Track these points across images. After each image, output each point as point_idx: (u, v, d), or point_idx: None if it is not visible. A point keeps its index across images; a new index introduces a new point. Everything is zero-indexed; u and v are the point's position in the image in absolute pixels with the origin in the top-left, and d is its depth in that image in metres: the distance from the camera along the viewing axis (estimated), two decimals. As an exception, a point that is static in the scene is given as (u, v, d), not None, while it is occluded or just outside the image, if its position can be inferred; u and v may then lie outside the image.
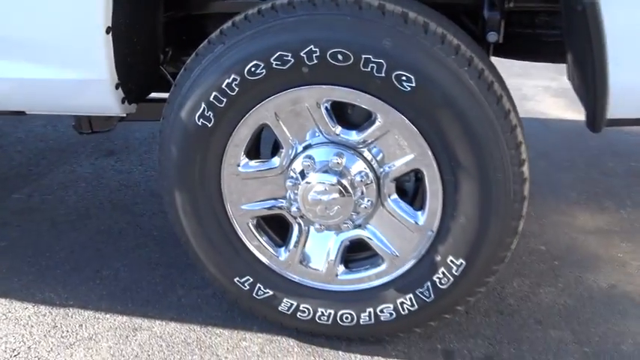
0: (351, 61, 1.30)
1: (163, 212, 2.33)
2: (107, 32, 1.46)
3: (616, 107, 1.31)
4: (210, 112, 1.43)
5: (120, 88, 1.56)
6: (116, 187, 2.63)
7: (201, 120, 1.44)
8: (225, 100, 1.40)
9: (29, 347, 1.64)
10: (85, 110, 1.71)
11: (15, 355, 1.61)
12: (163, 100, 1.92)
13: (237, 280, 1.61)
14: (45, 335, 1.69)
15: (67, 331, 1.70)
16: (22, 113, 1.82)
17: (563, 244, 2.09)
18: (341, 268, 1.56)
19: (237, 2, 1.78)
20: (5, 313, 1.79)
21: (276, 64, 1.34)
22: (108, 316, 1.77)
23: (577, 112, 3.30)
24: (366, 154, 1.44)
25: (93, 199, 2.51)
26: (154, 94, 1.88)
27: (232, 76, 1.38)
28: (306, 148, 1.48)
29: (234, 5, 1.78)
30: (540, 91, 3.85)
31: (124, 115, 1.65)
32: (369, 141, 1.43)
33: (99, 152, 3.00)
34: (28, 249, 2.13)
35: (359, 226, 1.51)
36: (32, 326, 1.73)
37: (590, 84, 1.30)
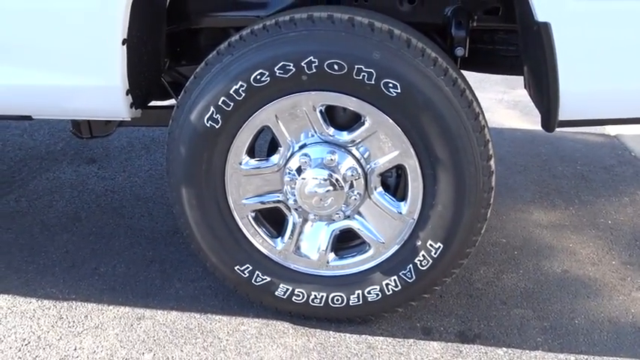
0: (345, 71, 1.50)
1: (151, 214, 2.50)
2: (123, 43, 1.61)
3: (565, 111, 1.55)
4: (218, 115, 1.60)
5: (129, 94, 1.71)
6: (102, 192, 2.73)
7: (209, 122, 1.61)
8: (232, 104, 1.58)
9: (39, 336, 1.75)
10: (96, 114, 1.84)
11: (26, 344, 1.71)
12: (159, 107, 2.10)
13: (238, 268, 1.77)
14: (52, 326, 1.79)
15: (74, 322, 1.81)
16: (28, 118, 1.92)
17: (522, 236, 2.34)
18: (332, 255, 1.75)
19: (232, 18, 1.96)
20: (10, 307, 1.88)
21: (279, 73, 1.53)
22: (111, 307, 1.89)
23: (527, 122, 3.63)
24: (355, 151, 1.64)
25: (81, 204, 2.60)
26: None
27: (239, 83, 1.55)
28: (302, 147, 1.66)
29: (227, 21, 1.96)
30: (494, 103, 4.17)
31: (130, 119, 1.79)
32: (358, 140, 1.63)
33: (80, 160, 3.08)
34: (23, 250, 2.22)
35: (348, 217, 1.70)
36: (39, 318, 1.83)
37: (545, 91, 1.55)
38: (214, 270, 1.81)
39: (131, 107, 1.73)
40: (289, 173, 1.68)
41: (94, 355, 1.68)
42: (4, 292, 1.95)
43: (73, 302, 1.91)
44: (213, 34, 2.05)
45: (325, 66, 1.50)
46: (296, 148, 1.67)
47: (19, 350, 1.69)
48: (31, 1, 1.63)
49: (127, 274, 2.07)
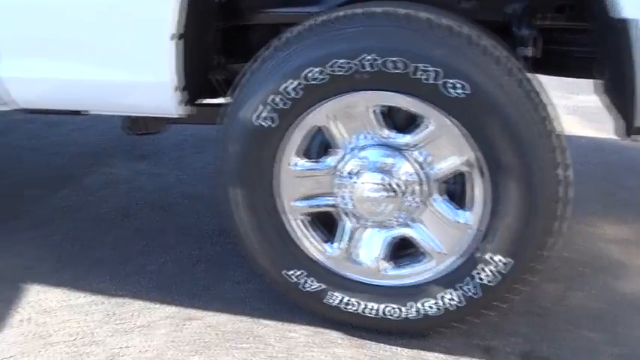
0: (404, 69, 1.41)
1: (199, 213, 2.47)
2: (175, 39, 1.58)
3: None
4: (271, 114, 1.54)
5: (179, 91, 1.67)
6: (152, 189, 2.73)
7: (262, 121, 1.55)
8: (285, 102, 1.51)
9: (89, 332, 1.74)
10: (144, 111, 1.82)
11: (77, 339, 1.70)
12: (209, 104, 2.06)
13: (286, 273, 1.70)
14: (102, 322, 1.78)
15: (123, 319, 1.79)
16: (77, 113, 1.92)
17: (589, 252, 2.18)
18: (388, 264, 1.65)
19: (284, 15, 1.90)
20: (60, 302, 1.88)
21: (336, 71, 1.45)
22: (158, 306, 1.86)
23: (591, 130, 3.42)
24: (416, 155, 1.54)
25: (131, 200, 2.61)
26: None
27: (291, 81, 1.49)
28: (358, 149, 1.58)
29: (279, 17, 1.91)
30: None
31: (179, 116, 1.75)
32: (418, 144, 1.53)
33: (132, 157, 3.10)
34: (75, 244, 2.23)
35: (406, 224, 1.61)
36: (88, 314, 1.82)
37: (628, 95, 1.41)
38: (262, 273, 1.75)
39: (180, 104, 1.70)
40: (342, 176, 1.60)
41: (142, 354, 1.65)
42: (56, 286, 1.96)
43: (122, 299, 1.89)
44: (264, 30, 2.00)
45: (382, 64, 1.42)
46: (352, 150, 1.59)
47: (70, 345, 1.68)
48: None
49: (174, 272, 2.05)
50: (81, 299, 1.89)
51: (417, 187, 1.55)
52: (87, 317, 1.80)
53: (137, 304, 1.86)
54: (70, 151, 3.17)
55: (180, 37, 1.60)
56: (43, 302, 1.87)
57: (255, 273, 1.81)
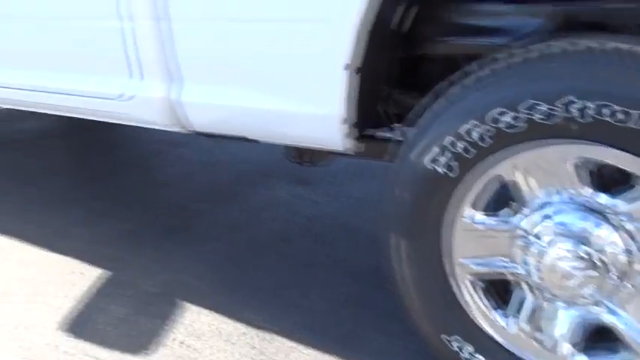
0: (622, 117, 1.13)
1: (357, 247, 2.34)
2: (349, 69, 1.48)
3: None
4: (448, 159, 1.35)
5: (349, 125, 1.56)
6: (309, 215, 2.68)
7: (437, 166, 1.37)
8: (467, 149, 1.31)
9: (233, 363, 1.70)
10: (312, 143, 1.74)
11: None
12: (376, 138, 1.92)
13: (446, 338, 1.49)
14: (247, 356, 1.73)
15: (267, 355, 1.73)
16: (245, 139, 1.92)
17: None
18: (578, 354, 1.36)
19: (466, 45, 1.70)
20: (212, 327, 1.88)
21: (534, 116, 1.22)
22: (308, 349, 1.76)
23: None
24: (629, 226, 1.24)
25: (290, 226, 2.58)
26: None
27: (480, 125, 1.28)
28: (549, 208, 1.32)
29: (461, 48, 1.70)
30: None
31: (349, 151, 1.65)
32: (634, 212, 1.23)
33: (293, 179, 3.10)
34: (233, 265, 2.25)
35: (609, 310, 1.30)
36: (235, 345, 1.79)
37: None
38: (418, 330, 1.56)
39: (348, 138, 1.59)
40: (526, 239, 1.35)
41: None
42: (209, 309, 1.97)
43: (269, 334, 1.83)
44: (442, 62, 1.82)
45: (595, 111, 1.15)
46: (541, 208, 1.33)
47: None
48: (256, 21, 1.58)
49: (326, 311, 1.94)
50: (230, 327, 1.87)
51: (626, 265, 1.24)
52: (233, 349, 1.77)
53: (283, 343, 1.78)
54: (236, 169, 3.28)
55: (355, 68, 1.49)
56: (195, 325, 1.89)
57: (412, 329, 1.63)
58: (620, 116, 1.13)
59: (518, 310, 1.42)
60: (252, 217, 2.67)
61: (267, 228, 2.55)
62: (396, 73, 1.84)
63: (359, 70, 1.51)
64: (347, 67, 1.48)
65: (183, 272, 2.20)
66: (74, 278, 2.17)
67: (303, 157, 1.98)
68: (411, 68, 1.87)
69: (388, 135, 1.83)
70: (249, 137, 1.87)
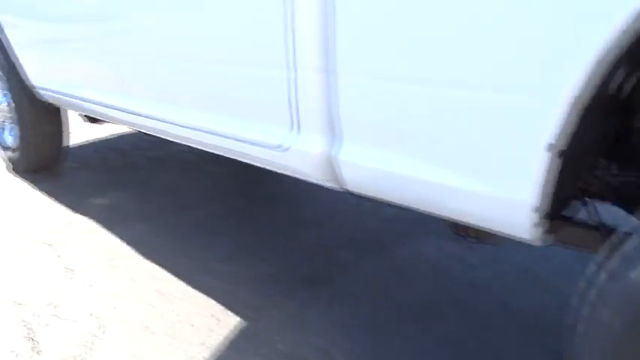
0: None
1: (520, 337, 1.96)
2: (549, 151, 1.18)
3: None
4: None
5: (540, 215, 1.26)
6: (460, 281, 2.37)
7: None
8: None
9: None
10: (489, 226, 1.46)
11: None
12: (571, 223, 1.58)
13: None
14: None
15: None
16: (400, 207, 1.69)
17: None
18: None
19: None
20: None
21: None
22: None
23: None
24: None
25: (437, 290, 2.30)
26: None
27: None
28: None
29: None
30: None
31: (535, 243, 1.34)
32: None
33: (446, 233, 2.81)
34: (371, 335, 2.02)
35: None
36: None
37: None
38: None
39: (536, 228, 1.28)
40: None
41: None
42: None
43: None
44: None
45: None
46: None
47: None
48: (442, 85, 1.33)
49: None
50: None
51: None
52: None
53: None
54: (383, 214, 3.07)
55: (559, 151, 1.19)
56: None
57: None
58: None
59: None
60: (397, 274, 2.43)
61: (411, 292, 2.29)
62: (606, 146, 1.50)
63: (562, 154, 1.21)
64: (550, 147, 1.18)
65: (317, 334, 2.02)
66: (212, 323, 2.10)
67: (469, 231, 1.70)
68: (622, 140, 1.52)
69: (584, 220, 1.49)
70: (410, 206, 1.64)
